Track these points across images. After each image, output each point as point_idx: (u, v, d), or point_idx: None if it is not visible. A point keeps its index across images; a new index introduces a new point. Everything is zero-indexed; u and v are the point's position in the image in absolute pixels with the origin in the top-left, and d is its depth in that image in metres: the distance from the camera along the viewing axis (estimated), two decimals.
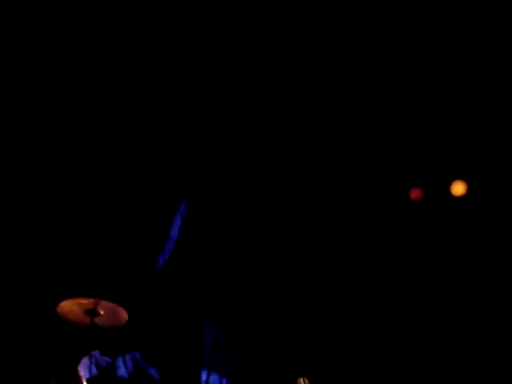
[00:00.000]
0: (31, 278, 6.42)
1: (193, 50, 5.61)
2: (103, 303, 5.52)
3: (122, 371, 5.86)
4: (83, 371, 5.86)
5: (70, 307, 5.55)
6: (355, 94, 5.93)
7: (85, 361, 5.94)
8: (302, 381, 3.97)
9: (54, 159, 6.26)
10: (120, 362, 5.91)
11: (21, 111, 5.83)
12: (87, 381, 5.63)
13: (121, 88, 5.90)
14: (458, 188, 5.98)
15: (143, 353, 6.02)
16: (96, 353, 5.91)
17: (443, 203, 6.32)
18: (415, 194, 6.42)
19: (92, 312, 5.50)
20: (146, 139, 6.27)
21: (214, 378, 5.29)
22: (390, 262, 6.61)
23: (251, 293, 6.41)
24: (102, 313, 5.54)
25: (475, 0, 5.13)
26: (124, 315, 5.65)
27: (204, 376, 5.61)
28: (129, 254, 6.53)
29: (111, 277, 6.37)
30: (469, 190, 6.05)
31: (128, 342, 6.08)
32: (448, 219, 6.36)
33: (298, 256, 6.57)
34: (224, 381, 5.25)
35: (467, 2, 5.15)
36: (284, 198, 6.57)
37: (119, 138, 6.25)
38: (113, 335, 5.94)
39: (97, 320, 5.54)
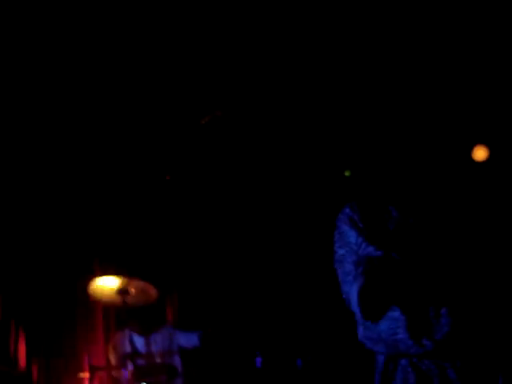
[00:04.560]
0: (62, 259, 6.50)
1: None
2: (134, 282, 5.62)
3: (155, 347, 5.96)
4: (115, 349, 5.98)
5: (102, 287, 5.67)
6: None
7: (117, 338, 6.07)
8: None
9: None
10: (153, 339, 6.01)
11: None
12: (121, 358, 5.72)
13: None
14: (480, 153, 5.90)
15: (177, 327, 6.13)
16: (129, 330, 6.03)
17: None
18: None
19: (123, 291, 5.62)
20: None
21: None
22: None
23: None
24: (132, 291, 5.65)
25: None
26: (154, 293, 5.76)
27: None
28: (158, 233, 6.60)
29: (141, 255, 6.44)
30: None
31: (159, 318, 6.19)
32: None
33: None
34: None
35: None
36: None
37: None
38: (144, 313, 6.02)
39: (127, 299, 5.66)
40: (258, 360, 5.29)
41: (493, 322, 2.90)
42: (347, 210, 3.07)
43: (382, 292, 2.87)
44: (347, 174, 3.63)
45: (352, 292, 2.89)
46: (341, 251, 3.05)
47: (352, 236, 3.01)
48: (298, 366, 5.28)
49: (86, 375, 5.69)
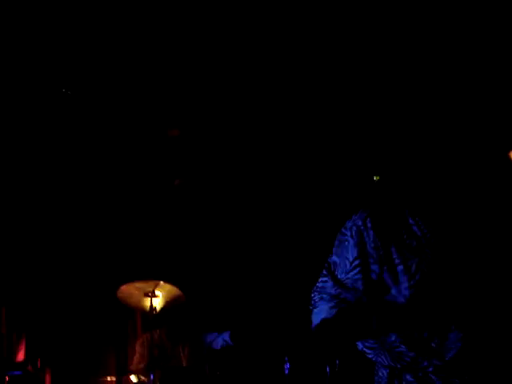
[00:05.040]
0: (91, 264, 6.52)
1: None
2: (162, 285, 5.62)
3: (182, 350, 5.96)
4: (143, 352, 5.99)
5: (130, 291, 5.67)
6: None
7: (144, 341, 6.07)
8: None
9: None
10: (180, 342, 6.02)
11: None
12: (148, 361, 5.72)
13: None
14: None
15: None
16: (155, 333, 6.03)
17: None
18: None
19: (151, 295, 5.62)
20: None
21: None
22: None
23: None
24: (160, 295, 5.65)
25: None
26: (181, 296, 5.75)
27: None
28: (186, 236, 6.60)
29: (169, 259, 6.45)
30: None
31: (186, 321, 6.19)
32: None
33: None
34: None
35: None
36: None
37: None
38: (172, 316, 6.02)
39: (156, 303, 5.65)
40: (287, 366, 5.26)
41: (502, 337, 2.84)
42: (359, 223, 2.94)
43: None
44: (376, 178, 3.56)
45: (316, 317, 2.91)
46: (335, 259, 2.98)
47: (352, 254, 2.92)
48: (326, 372, 5.25)
49: (112, 379, 5.71)
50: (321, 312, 2.90)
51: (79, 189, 6.40)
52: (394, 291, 2.82)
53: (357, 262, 2.88)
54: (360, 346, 2.94)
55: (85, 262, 6.51)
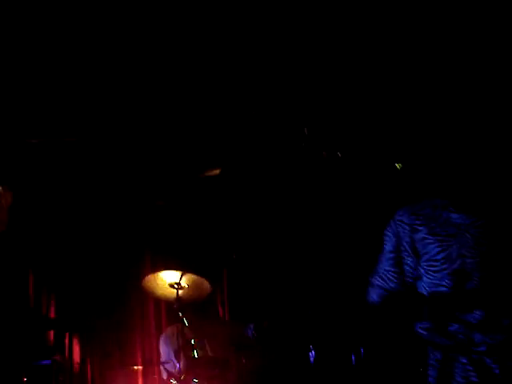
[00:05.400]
0: (116, 255, 6.57)
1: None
2: (188, 276, 5.65)
3: (208, 340, 5.98)
4: (168, 343, 6.02)
5: (156, 281, 5.71)
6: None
7: (170, 332, 6.11)
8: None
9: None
10: (205, 332, 6.03)
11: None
12: (174, 351, 5.75)
13: None
14: None
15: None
16: (181, 323, 6.05)
17: None
18: None
19: (177, 285, 5.65)
20: None
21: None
22: None
23: None
24: (186, 285, 5.68)
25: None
26: (207, 287, 5.78)
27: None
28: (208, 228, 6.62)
29: (194, 249, 6.47)
30: None
31: (211, 311, 6.21)
32: None
33: None
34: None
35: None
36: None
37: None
38: (197, 306, 6.04)
39: (181, 293, 5.69)
40: (312, 354, 5.27)
41: None
42: (396, 217, 3.14)
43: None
44: (399, 166, 3.55)
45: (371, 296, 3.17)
46: (388, 247, 3.16)
47: (388, 248, 3.15)
48: (352, 360, 5.25)
49: (139, 368, 5.75)
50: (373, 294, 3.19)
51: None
52: (432, 279, 2.97)
53: (391, 255, 3.12)
54: (415, 327, 3.03)
55: (111, 248, 6.55)
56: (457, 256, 2.91)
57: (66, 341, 6.31)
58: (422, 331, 2.99)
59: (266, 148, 6.30)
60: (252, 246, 6.62)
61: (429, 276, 2.97)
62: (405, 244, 3.06)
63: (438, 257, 2.95)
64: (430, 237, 3.00)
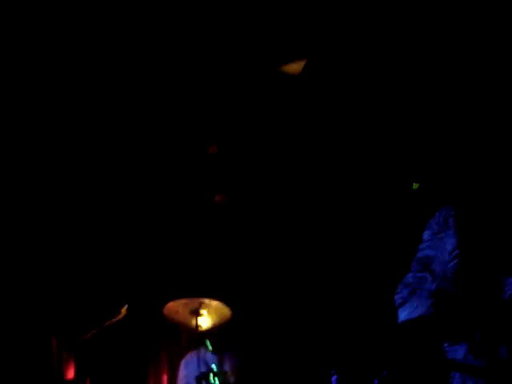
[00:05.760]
0: (136, 281, 6.59)
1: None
2: (208, 302, 5.69)
3: (228, 366, 5.97)
4: (187, 369, 6.03)
5: (176, 308, 5.75)
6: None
7: (189, 358, 6.11)
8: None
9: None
10: (226, 358, 6.04)
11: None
12: (196, 378, 5.76)
13: None
14: None
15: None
16: (201, 350, 6.07)
17: None
18: None
19: (197, 312, 5.68)
20: None
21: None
22: None
23: None
24: (207, 312, 5.72)
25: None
26: (228, 313, 5.81)
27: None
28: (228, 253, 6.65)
29: (214, 276, 6.50)
30: None
31: (232, 337, 6.22)
32: None
33: None
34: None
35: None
36: None
37: None
38: (217, 332, 6.06)
39: (202, 319, 5.72)
40: (334, 378, 5.27)
41: None
42: (452, 212, 3.03)
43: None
44: (415, 186, 3.59)
45: (407, 313, 2.97)
46: (428, 253, 3.05)
47: (451, 244, 2.98)
48: None
49: None
50: (416, 308, 2.96)
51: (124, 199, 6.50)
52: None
53: (457, 252, 2.95)
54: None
55: (132, 278, 6.58)
56: None
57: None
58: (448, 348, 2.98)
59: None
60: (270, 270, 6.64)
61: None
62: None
63: None
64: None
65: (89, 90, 5.73)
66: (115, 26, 5.21)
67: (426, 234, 3.08)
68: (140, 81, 5.68)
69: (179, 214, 6.59)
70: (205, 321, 5.77)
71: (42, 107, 5.80)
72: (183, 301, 5.72)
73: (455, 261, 2.93)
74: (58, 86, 5.66)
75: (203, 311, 5.73)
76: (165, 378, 6.73)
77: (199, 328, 5.76)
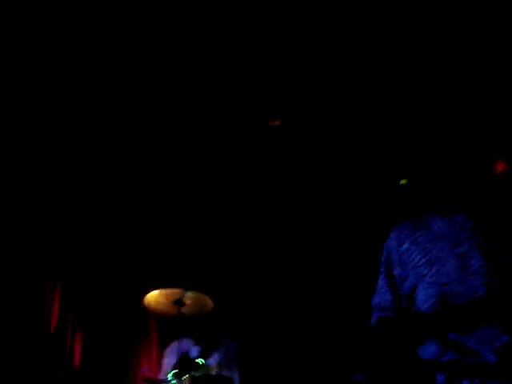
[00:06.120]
0: (118, 270, 6.53)
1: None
2: (189, 293, 5.57)
3: (211, 358, 5.88)
4: (170, 357, 5.93)
5: (157, 298, 5.63)
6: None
7: (172, 348, 6.02)
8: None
9: None
10: (208, 350, 5.94)
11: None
12: (174, 366, 5.66)
13: None
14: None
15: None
16: (184, 340, 5.98)
17: None
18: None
19: (179, 302, 5.57)
20: None
21: None
22: None
23: None
24: (188, 302, 5.60)
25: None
26: (210, 304, 5.70)
27: None
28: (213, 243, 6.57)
29: (196, 266, 6.42)
30: None
31: (215, 329, 6.11)
32: None
33: None
34: None
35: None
36: None
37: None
38: (200, 324, 5.96)
39: (183, 309, 5.60)
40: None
41: None
42: (389, 236, 3.11)
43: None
44: (403, 182, 3.47)
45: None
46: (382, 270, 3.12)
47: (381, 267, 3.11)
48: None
49: None
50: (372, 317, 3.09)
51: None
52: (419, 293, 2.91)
53: (382, 269, 3.10)
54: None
55: (114, 266, 6.52)
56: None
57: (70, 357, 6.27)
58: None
59: None
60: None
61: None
62: (393, 259, 3.10)
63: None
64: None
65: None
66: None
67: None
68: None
69: (164, 203, 6.52)
70: (186, 311, 5.65)
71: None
72: (164, 291, 5.60)
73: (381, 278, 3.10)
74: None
75: (185, 301, 5.61)
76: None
77: (182, 318, 5.65)
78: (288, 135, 6.18)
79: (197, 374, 5.55)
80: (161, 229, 6.60)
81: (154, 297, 5.64)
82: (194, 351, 5.89)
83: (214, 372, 5.81)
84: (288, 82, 5.73)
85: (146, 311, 6.01)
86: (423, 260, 2.90)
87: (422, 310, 2.86)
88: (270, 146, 6.31)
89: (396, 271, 3.00)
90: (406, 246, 2.99)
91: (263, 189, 6.51)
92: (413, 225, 3.04)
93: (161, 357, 6.11)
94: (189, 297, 5.59)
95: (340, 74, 5.64)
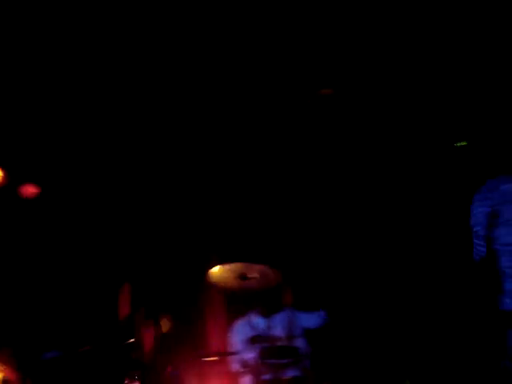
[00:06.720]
0: (180, 246, 6.62)
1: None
2: (254, 266, 5.62)
3: (277, 330, 5.95)
4: (238, 333, 6.03)
5: (221, 273, 5.70)
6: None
7: (239, 323, 6.11)
8: None
9: None
10: (274, 322, 6.01)
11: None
12: (243, 342, 5.74)
13: None
14: None
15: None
16: (250, 314, 6.06)
17: None
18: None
19: (243, 276, 5.63)
20: None
21: None
22: None
23: None
24: (253, 276, 5.64)
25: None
26: (274, 276, 5.73)
27: None
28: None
29: (259, 239, 6.45)
30: None
31: (279, 301, 6.17)
32: None
33: None
34: None
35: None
36: None
37: None
38: (264, 296, 6.01)
39: (248, 283, 5.66)
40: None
41: None
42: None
43: None
44: (462, 144, 3.48)
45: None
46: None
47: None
48: None
49: (211, 360, 5.76)
50: None
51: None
52: None
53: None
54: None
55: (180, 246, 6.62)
56: None
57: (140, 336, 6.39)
58: None
59: None
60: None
61: None
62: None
63: None
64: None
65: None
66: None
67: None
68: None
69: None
70: (251, 285, 5.70)
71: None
72: (229, 265, 5.66)
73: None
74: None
75: (251, 275, 5.66)
76: None
77: (246, 292, 5.71)
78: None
79: (264, 347, 5.65)
80: (222, 207, 6.65)
81: (217, 271, 5.70)
82: (261, 323, 5.97)
83: (279, 343, 5.90)
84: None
85: (210, 288, 6.08)
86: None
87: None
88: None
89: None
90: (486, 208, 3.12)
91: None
92: (488, 187, 3.17)
93: (229, 331, 6.18)
94: (253, 270, 5.65)
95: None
